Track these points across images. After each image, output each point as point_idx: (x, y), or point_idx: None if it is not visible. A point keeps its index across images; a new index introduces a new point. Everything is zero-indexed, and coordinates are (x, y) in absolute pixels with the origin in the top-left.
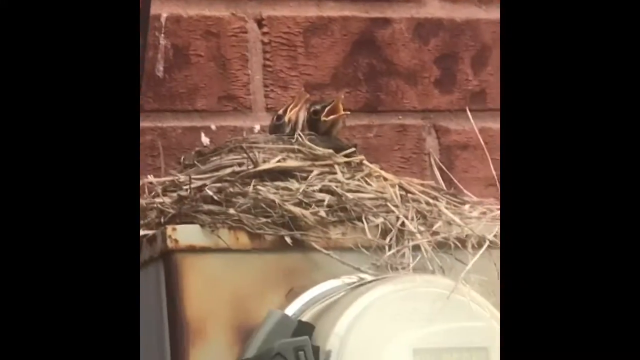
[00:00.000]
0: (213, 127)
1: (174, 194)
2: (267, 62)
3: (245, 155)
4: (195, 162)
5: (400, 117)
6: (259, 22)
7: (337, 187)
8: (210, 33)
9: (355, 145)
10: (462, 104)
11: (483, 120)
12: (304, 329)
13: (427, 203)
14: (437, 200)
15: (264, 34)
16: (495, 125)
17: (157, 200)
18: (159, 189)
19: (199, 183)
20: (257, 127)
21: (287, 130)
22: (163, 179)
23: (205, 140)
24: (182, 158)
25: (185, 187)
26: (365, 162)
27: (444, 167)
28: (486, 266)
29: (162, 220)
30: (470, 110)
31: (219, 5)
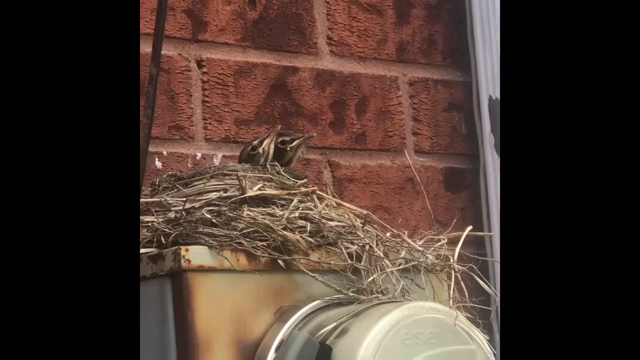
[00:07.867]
0: (165, 152)
1: (161, 215)
2: (206, 99)
3: (226, 181)
4: (177, 185)
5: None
6: (199, 63)
7: (314, 214)
8: (162, 69)
9: (307, 176)
10: (350, 144)
11: (363, 158)
12: (325, 351)
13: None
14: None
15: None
16: (372, 162)
17: (147, 218)
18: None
19: (188, 205)
20: (199, 155)
21: (262, 160)
22: (151, 199)
23: (158, 164)
24: (156, 180)
25: (174, 209)
26: (318, 191)
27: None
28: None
29: (163, 239)
30: (355, 150)
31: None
